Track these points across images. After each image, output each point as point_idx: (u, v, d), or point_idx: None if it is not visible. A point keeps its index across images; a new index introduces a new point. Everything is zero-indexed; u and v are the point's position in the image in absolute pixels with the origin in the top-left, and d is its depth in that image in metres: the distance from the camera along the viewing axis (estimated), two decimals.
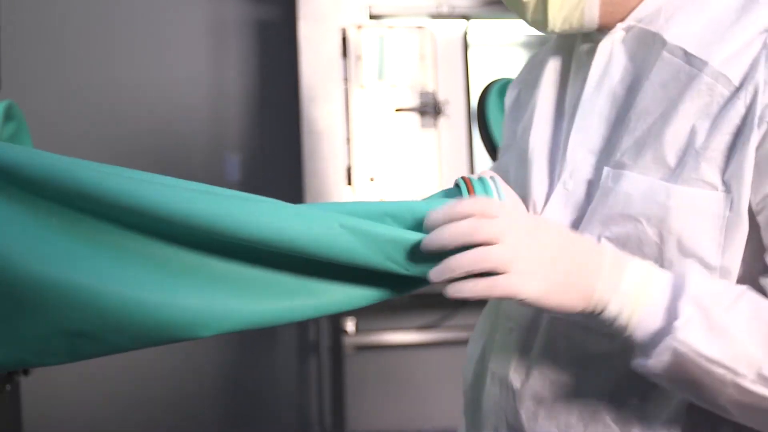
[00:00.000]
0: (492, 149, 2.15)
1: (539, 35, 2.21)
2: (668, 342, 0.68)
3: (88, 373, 2.24)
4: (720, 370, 0.68)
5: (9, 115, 1.15)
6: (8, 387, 1.04)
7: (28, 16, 2.31)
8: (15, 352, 0.73)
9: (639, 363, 0.70)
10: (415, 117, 2.09)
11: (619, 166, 0.79)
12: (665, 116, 0.77)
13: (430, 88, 2.10)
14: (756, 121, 0.71)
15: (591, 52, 0.86)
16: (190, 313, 0.71)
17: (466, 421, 0.95)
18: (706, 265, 0.73)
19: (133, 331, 0.72)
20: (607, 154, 0.82)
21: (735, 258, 0.73)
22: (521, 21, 0.90)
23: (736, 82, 0.74)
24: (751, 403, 0.68)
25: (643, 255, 0.74)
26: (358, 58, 2.11)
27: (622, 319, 0.69)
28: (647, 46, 0.81)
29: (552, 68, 0.92)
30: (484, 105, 1.86)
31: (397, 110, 2.08)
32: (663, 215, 0.74)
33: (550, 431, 0.83)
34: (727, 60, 0.75)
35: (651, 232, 0.75)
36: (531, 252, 0.68)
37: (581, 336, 0.79)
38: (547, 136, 0.89)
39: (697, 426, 0.76)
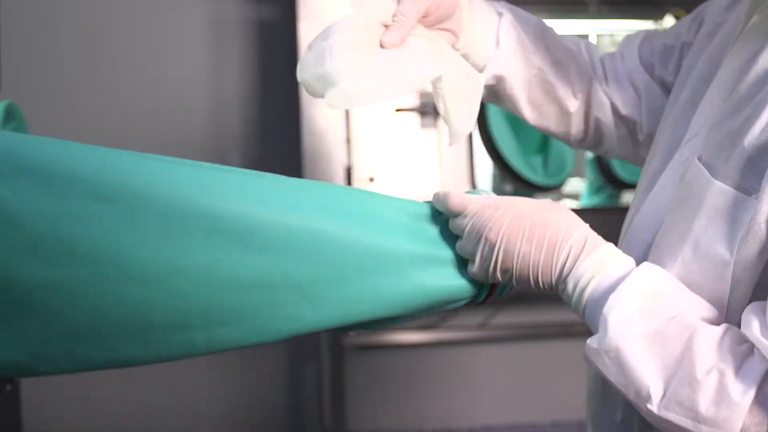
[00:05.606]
0: (492, 149, 2.14)
1: None
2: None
3: (88, 374, 2.24)
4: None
5: (9, 115, 1.15)
6: (8, 387, 1.04)
7: (28, 16, 2.31)
8: (10, 355, 0.71)
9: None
10: (415, 117, 2.09)
11: None
12: None
13: (430, 88, 2.10)
14: None
15: None
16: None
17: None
18: None
19: (136, 330, 0.71)
20: None
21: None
22: None
23: None
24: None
25: None
26: None
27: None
28: None
29: None
30: (485, 105, 1.85)
31: (397, 110, 2.08)
32: None
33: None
34: None
35: None
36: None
37: None
38: None
39: None
